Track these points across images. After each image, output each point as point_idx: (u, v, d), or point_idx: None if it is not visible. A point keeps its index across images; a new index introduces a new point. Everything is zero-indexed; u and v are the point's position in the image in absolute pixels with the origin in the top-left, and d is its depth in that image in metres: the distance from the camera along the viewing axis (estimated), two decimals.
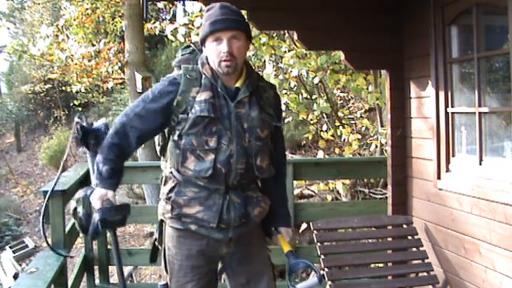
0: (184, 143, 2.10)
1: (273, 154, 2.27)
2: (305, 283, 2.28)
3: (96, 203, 2.08)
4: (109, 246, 4.38)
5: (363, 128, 6.70)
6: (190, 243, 2.18)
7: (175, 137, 2.13)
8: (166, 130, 2.21)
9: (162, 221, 2.27)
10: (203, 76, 2.13)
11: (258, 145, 2.14)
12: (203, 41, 2.14)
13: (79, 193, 2.19)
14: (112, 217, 2.07)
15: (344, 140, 6.41)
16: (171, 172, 2.20)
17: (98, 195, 2.08)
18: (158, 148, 2.29)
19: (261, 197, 2.25)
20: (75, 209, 2.17)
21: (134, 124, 2.12)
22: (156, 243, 2.34)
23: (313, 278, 2.27)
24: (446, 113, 3.21)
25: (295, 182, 4.83)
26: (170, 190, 2.17)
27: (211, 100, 2.08)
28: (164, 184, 2.23)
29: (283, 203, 2.39)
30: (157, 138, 2.28)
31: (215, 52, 2.08)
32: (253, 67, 2.31)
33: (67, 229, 3.36)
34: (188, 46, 2.31)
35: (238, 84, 2.15)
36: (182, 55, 2.29)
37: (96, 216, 2.07)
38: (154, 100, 2.12)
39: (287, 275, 2.32)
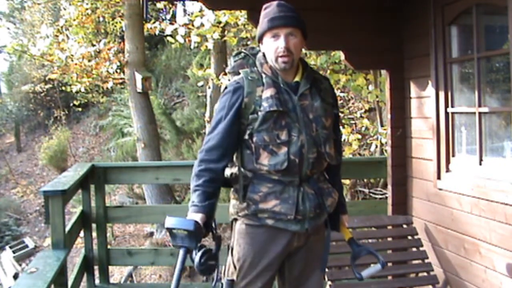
0: (256, 141, 2.16)
1: (336, 141, 2.35)
2: (369, 270, 2.35)
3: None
4: (109, 246, 4.39)
5: (363, 128, 6.70)
6: (264, 240, 2.22)
7: (246, 137, 2.19)
8: None
9: (234, 220, 2.31)
10: (264, 75, 2.21)
11: (325, 133, 2.22)
12: (260, 38, 2.23)
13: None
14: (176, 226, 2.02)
15: (344, 140, 6.41)
16: (240, 171, 2.24)
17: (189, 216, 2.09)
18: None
19: (331, 188, 2.31)
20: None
21: (220, 143, 2.16)
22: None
23: (376, 265, 2.34)
24: (446, 113, 3.21)
25: None
26: (243, 189, 2.21)
27: (276, 96, 2.16)
28: (236, 182, 2.27)
29: (341, 191, 2.48)
30: None
31: (272, 48, 2.16)
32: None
33: (67, 229, 3.37)
34: (239, 53, 2.41)
35: (297, 79, 2.24)
36: (235, 61, 2.39)
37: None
38: (227, 114, 2.18)
39: (351, 262, 2.39)
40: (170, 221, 2.02)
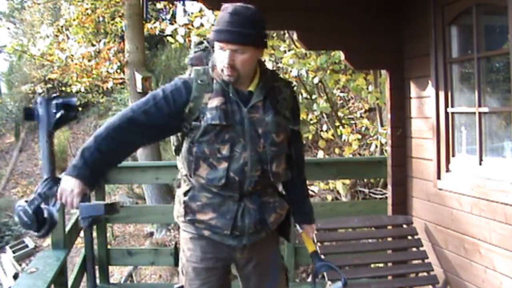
0: (196, 151, 2.03)
1: (290, 157, 2.20)
2: None
3: (68, 195, 1.90)
4: (109, 246, 4.39)
5: (363, 128, 6.70)
6: (204, 247, 2.15)
7: (188, 144, 2.06)
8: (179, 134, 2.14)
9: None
10: (214, 81, 2.04)
11: (273, 150, 2.06)
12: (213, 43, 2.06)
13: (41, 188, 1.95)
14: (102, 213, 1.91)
15: (344, 140, 6.41)
16: (186, 175, 2.14)
17: (70, 185, 1.90)
18: (173, 148, 2.21)
19: (278, 202, 2.18)
20: (32, 201, 1.92)
21: (141, 121, 2.00)
22: (178, 245, 2.34)
23: (338, 283, 2.25)
24: (446, 113, 3.21)
25: None
26: (184, 194, 2.12)
27: (222, 107, 1.99)
28: (179, 187, 2.19)
29: (304, 200, 2.36)
30: (172, 138, 2.21)
31: (219, 59, 2.00)
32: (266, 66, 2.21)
33: (67, 229, 3.37)
34: (201, 42, 2.23)
35: (251, 88, 2.06)
36: (195, 52, 2.21)
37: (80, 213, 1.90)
38: (166, 100, 2.02)
39: (312, 278, 2.30)
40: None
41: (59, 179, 1.93)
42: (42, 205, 1.91)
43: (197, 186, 2.10)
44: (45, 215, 1.91)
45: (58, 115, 1.97)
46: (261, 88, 2.06)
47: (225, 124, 1.99)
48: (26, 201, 1.91)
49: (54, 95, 2.00)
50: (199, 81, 2.03)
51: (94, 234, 4.12)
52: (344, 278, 2.22)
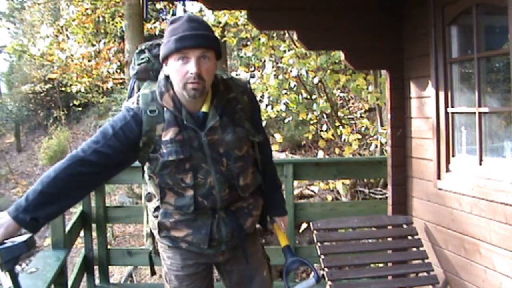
0: (159, 182, 1.98)
1: (258, 160, 2.14)
2: (302, 284, 2.19)
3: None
4: (109, 246, 4.39)
5: (363, 128, 6.71)
6: (184, 254, 2.14)
7: (150, 173, 2.01)
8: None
9: (152, 233, 2.23)
10: (165, 109, 1.90)
11: (237, 166, 1.99)
12: (165, 58, 1.86)
13: None
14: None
15: (344, 140, 6.42)
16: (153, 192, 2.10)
17: (2, 221, 1.78)
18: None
19: (253, 204, 2.13)
20: None
21: (93, 161, 1.85)
22: (152, 254, 2.30)
23: (311, 279, 2.17)
24: (446, 113, 3.21)
25: (295, 182, 4.83)
26: (156, 209, 2.08)
27: (178, 138, 1.89)
28: (149, 200, 2.14)
29: (274, 190, 2.27)
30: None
31: (180, 73, 1.82)
32: (223, 77, 2.04)
33: (67, 229, 3.37)
34: (142, 51, 2.10)
35: (204, 109, 1.92)
36: (139, 64, 2.08)
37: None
38: (116, 138, 1.87)
39: (284, 274, 2.23)
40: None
41: None
42: None
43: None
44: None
45: None
46: (216, 108, 1.92)
47: (182, 158, 1.90)
48: None
49: None
50: (148, 112, 1.89)
51: (94, 234, 4.13)
52: (317, 274, 2.14)
